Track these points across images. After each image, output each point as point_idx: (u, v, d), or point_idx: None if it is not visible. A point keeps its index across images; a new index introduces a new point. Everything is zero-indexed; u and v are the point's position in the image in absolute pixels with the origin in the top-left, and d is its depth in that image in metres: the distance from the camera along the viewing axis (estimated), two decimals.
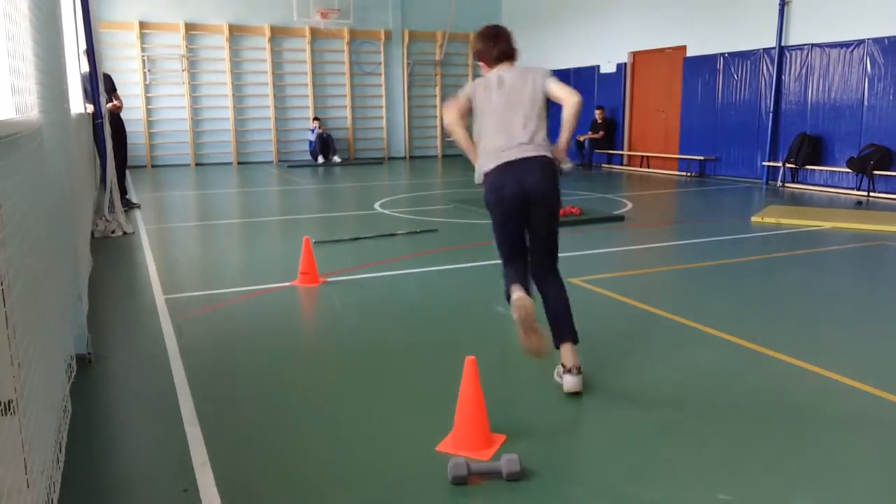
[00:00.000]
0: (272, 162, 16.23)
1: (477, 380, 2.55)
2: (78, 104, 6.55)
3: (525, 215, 3.28)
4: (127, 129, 14.94)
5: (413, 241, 6.70)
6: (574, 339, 3.15)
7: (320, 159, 15.69)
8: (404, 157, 17.57)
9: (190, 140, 15.59)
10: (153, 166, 15.42)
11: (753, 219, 7.61)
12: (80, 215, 4.33)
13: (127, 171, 9.21)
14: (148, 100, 15.28)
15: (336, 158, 15.85)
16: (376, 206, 9.08)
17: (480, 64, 3.44)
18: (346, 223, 8.05)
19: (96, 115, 7.31)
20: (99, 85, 7.33)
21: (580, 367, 3.07)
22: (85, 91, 7.65)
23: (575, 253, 6.05)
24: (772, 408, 2.97)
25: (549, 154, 3.30)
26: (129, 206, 9.04)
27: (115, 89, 8.89)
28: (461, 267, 5.60)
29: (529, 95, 3.29)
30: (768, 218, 7.53)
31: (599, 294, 4.73)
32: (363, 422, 2.84)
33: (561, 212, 7.73)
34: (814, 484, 2.36)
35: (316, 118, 16.11)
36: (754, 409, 2.95)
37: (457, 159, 17.25)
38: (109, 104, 8.52)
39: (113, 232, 7.23)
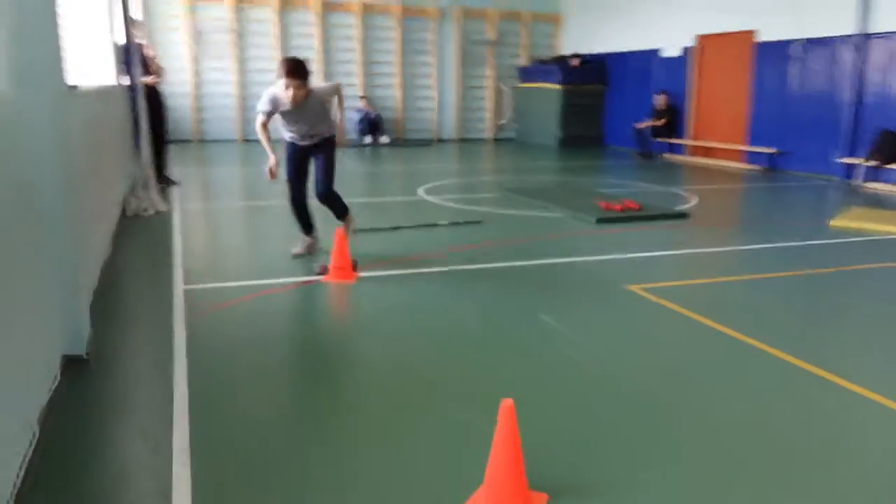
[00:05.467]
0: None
1: (515, 429, 2.07)
2: (109, 76, 6.24)
3: None
4: (174, 102, 14.84)
5: (455, 233, 6.23)
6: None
7: (367, 139, 15.30)
8: (454, 140, 17.05)
9: (237, 115, 15.34)
10: (200, 141, 15.25)
11: (833, 223, 6.90)
12: (87, 202, 3.96)
13: (167, 147, 8.94)
14: (196, 73, 15.07)
15: (384, 139, 15.43)
16: (420, 191, 8.62)
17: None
18: (387, 210, 7.61)
19: (132, 88, 7.01)
20: (133, 57, 7.03)
21: None
22: (125, 63, 7.36)
23: (633, 255, 5.49)
24: (849, 454, 2.43)
25: None
26: (167, 182, 8.79)
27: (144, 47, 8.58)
28: (503, 266, 5.10)
29: None
30: (849, 222, 6.82)
31: (660, 306, 4.18)
32: (377, 462, 2.40)
33: (618, 206, 7.14)
34: None
35: (363, 97, 15.70)
36: (832, 455, 2.41)
37: (508, 143, 16.67)
38: (149, 77, 8.24)
39: (145, 210, 6.94)
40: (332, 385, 3.09)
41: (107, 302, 4.01)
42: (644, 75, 14.55)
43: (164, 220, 6.65)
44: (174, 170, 10.15)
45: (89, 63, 5.72)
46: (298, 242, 5.29)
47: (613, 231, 6.45)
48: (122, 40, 7.23)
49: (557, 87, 15.33)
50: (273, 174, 4.91)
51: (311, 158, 5.10)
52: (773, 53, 11.50)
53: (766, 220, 7.46)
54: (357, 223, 5.61)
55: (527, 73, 16.54)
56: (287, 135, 5.01)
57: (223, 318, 3.91)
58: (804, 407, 2.91)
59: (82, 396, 2.85)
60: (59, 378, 2.81)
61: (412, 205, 7.84)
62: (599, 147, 15.62)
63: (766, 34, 11.68)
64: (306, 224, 5.28)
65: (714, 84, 13.05)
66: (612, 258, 5.38)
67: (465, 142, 16.87)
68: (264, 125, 4.78)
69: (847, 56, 10.36)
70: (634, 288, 4.52)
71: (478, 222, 6.68)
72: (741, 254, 5.84)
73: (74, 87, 3.78)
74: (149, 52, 8.24)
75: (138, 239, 5.86)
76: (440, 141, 16.82)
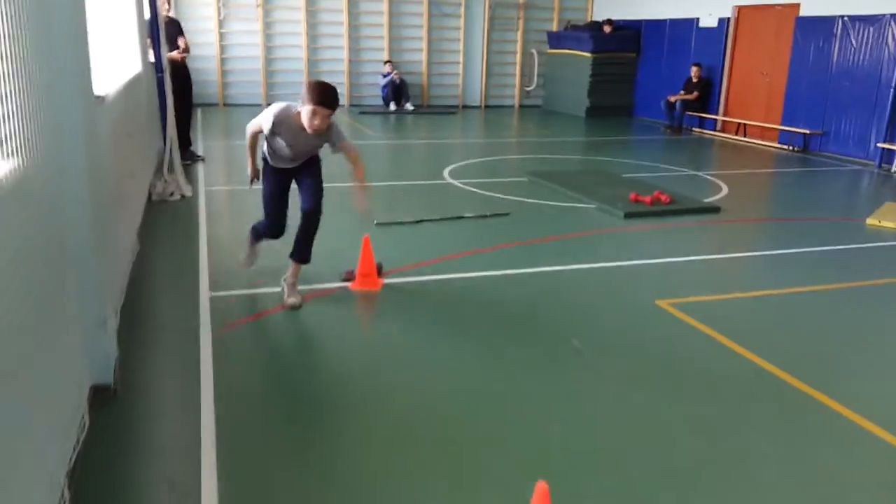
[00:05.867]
0: (344, 106, 15.73)
1: None
2: (135, 62, 6.15)
3: None
4: (200, 66, 14.72)
5: (481, 228, 6.14)
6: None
7: (392, 106, 15.10)
8: (479, 107, 16.78)
9: (262, 79, 15.21)
10: (225, 105, 15.17)
11: (869, 220, 6.72)
12: (115, 213, 3.93)
13: (192, 121, 8.87)
14: (221, 36, 14.90)
15: (408, 106, 15.22)
16: (445, 173, 8.51)
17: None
18: (412, 196, 7.53)
19: (157, 68, 6.91)
20: (160, 35, 6.91)
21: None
22: (151, 39, 7.25)
23: (663, 259, 5.38)
24: None
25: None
26: (192, 158, 8.76)
27: (181, 34, 8.48)
28: (532, 273, 5.02)
29: None
30: (886, 221, 6.63)
31: (694, 330, 4.10)
32: None
33: (648, 198, 6.94)
34: None
35: (388, 61, 15.43)
36: None
37: (534, 111, 16.39)
38: (175, 52, 8.14)
39: (171, 195, 6.92)
40: (361, 436, 3.05)
41: (133, 316, 4.01)
42: (679, 45, 14.14)
43: (189, 206, 6.63)
44: (199, 141, 10.12)
45: (116, 53, 5.62)
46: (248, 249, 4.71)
47: (642, 227, 6.33)
48: (148, 15, 7.11)
49: (588, 54, 14.95)
50: (253, 182, 4.45)
51: (292, 181, 4.36)
52: (815, 29, 11.10)
53: (801, 214, 7.25)
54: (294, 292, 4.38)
55: (557, 39, 16.15)
56: (272, 156, 4.25)
57: (250, 333, 3.90)
58: (875, 482, 2.85)
59: (110, 438, 2.85)
60: (86, 420, 2.81)
61: (438, 190, 7.74)
62: (628, 118, 15.30)
63: (809, 8, 11.25)
64: (260, 241, 4.68)
65: (751, 58, 12.65)
66: (642, 264, 5.28)
67: (491, 109, 16.61)
68: (255, 136, 4.21)
69: (894, 35, 9.95)
70: (665, 304, 4.44)
71: (505, 214, 6.58)
72: (776, 260, 5.68)
73: (101, 98, 3.71)
74: (182, 42, 8.17)
75: (164, 232, 5.83)
76: (465, 107, 16.57)
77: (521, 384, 3.42)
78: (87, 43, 3.17)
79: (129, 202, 5.52)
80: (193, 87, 14.64)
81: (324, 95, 3.92)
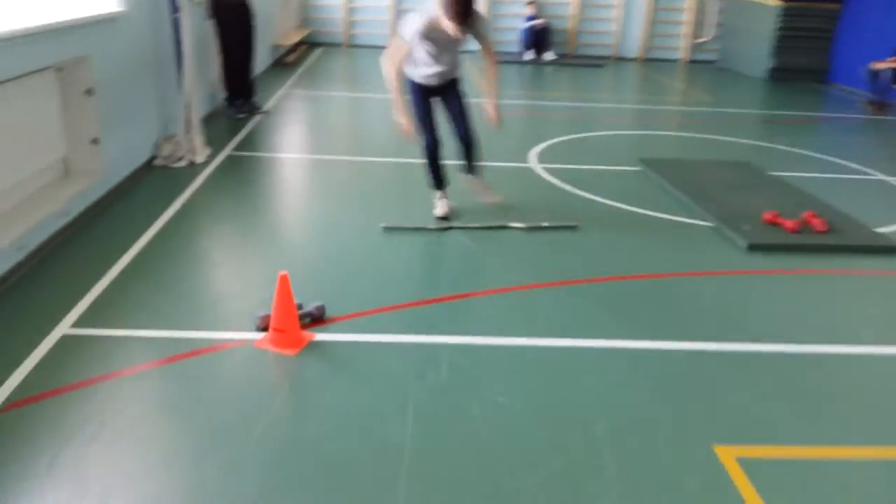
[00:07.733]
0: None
1: None
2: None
3: None
4: (325, 2, 13.71)
5: (526, 249, 4.44)
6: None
7: (528, 55, 13.15)
8: (636, 59, 14.33)
9: (392, 19, 13.84)
10: (350, 46, 14.04)
11: None
12: None
13: (252, 67, 7.73)
14: None
15: (548, 55, 13.19)
16: (533, 154, 6.71)
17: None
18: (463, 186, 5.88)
19: (172, 6, 5.69)
20: None
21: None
22: None
23: (768, 346, 3.41)
24: None
25: None
26: (251, 111, 7.69)
27: None
28: (561, 347, 3.29)
29: None
30: None
31: None
32: None
33: (793, 223, 4.70)
34: None
35: (531, 2, 13.41)
36: None
37: (704, 68, 13.70)
38: None
39: (181, 159, 5.82)
40: None
41: None
42: None
43: (186, 178, 5.47)
44: (287, 89, 8.99)
45: None
46: (437, 203, 4.81)
47: (768, 272, 4.30)
48: None
49: (776, 2, 12.07)
50: (409, 131, 4.42)
51: (436, 100, 4.60)
52: None
53: None
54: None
55: None
56: (418, 72, 4.42)
57: (62, 411, 2.62)
58: None
59: None
60: None
61: (508, 178, 6.00)
62: (820, 85, 12.27)
63: None
64: (441, 178, 4.81)
65: None
66: (734, 352, 3.36)
67: (651, 63, 14.10)
68: (400, 67, 4.34)
69: None
70: (728, 455, 2.59)
71: (571, 227, 4.80)
72: None
73: None
74: None
75: (115, 220, 4.62)
76: (619, 59, 14.21)
77: None
78: None
79: (76, 177, 4.49)
80: (317, 25, 13.68)
81: (462, 8, 3.96)
